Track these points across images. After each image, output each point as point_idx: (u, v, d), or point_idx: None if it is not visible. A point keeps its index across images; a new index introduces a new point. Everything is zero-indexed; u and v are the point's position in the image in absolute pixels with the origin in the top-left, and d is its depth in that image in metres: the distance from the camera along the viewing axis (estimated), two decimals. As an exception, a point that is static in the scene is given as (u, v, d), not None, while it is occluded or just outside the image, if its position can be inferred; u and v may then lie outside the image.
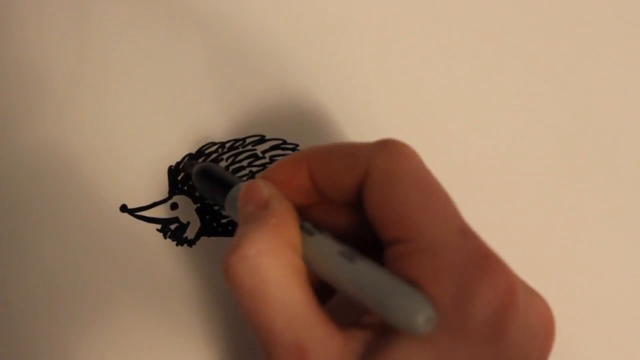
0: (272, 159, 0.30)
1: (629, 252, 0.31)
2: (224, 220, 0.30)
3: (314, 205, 0.23)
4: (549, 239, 0.30)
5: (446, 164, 0.31)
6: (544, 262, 0.29)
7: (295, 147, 0.30)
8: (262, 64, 0.31)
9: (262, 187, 0.22)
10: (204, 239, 0.29)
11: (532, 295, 0.21)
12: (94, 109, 0.30)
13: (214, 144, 0.30)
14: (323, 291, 0.21)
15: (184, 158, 0.30)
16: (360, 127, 0.31)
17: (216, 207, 0.29)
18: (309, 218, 0.23)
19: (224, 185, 0.25)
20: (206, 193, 0.27)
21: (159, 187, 0.30)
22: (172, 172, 0.30)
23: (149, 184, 0.30)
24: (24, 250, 0.29)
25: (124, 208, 0.29)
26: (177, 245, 0.29)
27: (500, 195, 0.30)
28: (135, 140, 0.30)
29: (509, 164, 0.31)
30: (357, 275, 0.19)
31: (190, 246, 0.29)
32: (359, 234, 0.22)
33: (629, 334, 0.30)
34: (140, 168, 0.30)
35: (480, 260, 0.19)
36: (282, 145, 0.30)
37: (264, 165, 0.30)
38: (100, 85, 0.31)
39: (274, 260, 0.20)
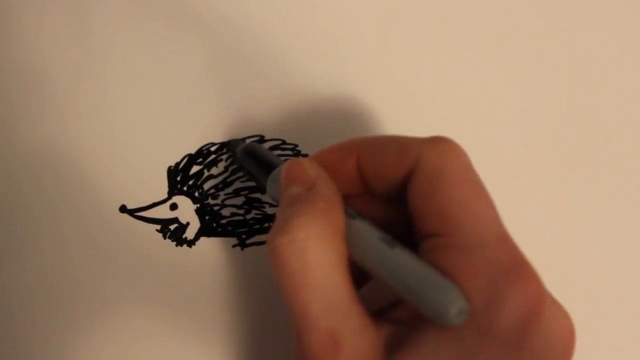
0: (271, 160, 0.30)
1: (628, 251, 0.31)
2: (223, 221, 0.29)
3: (354, 195, 0.24)
4: (549, 239, 0.30)
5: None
6: (544, 261, 0.29)
7: (294, 147, 0.30)
8: (262, 65, 0.31)
9: (308, 168, 0.22)
10: (203, 239, 0.29)
11: (558, 307, 0.21)
12: (93, 110, 0.30)
13: (213, 144, 0.30)
14: (356, 278, 0.22)
15: (183, 158, 0.30)
16: (360, 128, 0.31)
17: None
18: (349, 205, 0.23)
19: (267, 165, 0.25)
20: (249, 172, 0.27)
21: (158, 187, 0.30)
22: (172, 172, 0.30)
23: (148, 185, 0.30)
24: (23, 251, 0.29)
25: (123, 208, 0.29)
26: (176, 245, 0.29)
27: (500, 195, 0.30)
28: (135, 140, 0.30)
29: (510, 163, 0.31)
30: (396, 261, 0.20)
31: (190, 247, 0.29)
32: (394, 227, 0.23)
33: (629, 333, 0.29)
34: (139, 168, 0.30)
35: (515, 266, 0.19)
36: (281, 145, 0.30)
37: (263, 166, 0.30)
38: (100, 86, 0.31)
39: (321, 246, 0.20)
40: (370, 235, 0.21)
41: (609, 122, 0.32)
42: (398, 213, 0.23)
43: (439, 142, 0.22)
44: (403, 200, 0.22)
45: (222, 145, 0.30)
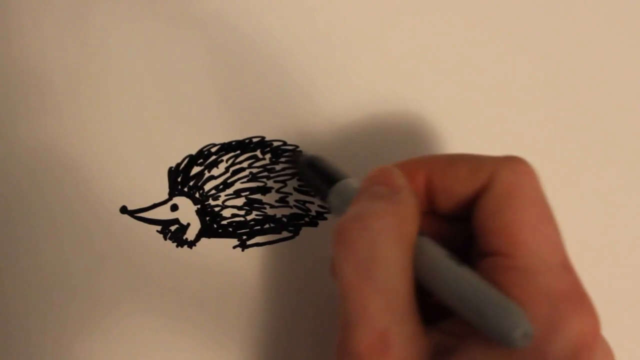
0: (272, 160, 0.30)
1: (628, 251, 0.31)
2: (224, 222, 0.29)
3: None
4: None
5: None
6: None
7: (295, 148, 0.30)
8: (262, 66, 0.31)
9: (397, 176, 0.22)
10: (204, 240, 0.29)
11: (605, 343, 0.21)
12: (94, 111, 0.30)
13: (214, 145, 0.30)
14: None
15: (184, 159, 0.30)
16: (360, 128, 0.31)
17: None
18: None
19: (331, 177, 0.26)
20: (310, 183, 0.28)
21: (159, 188, 0.30)
22: (173, 173, 0.30)
23: (149, 186, 0.29)
24: (23, 252, 0.29)
25: (124, 209, 0.29)
26: (177, 246, 0.29)
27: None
28: (136, 141, 0.30)
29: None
30: (463, 280, 0.20)
31: (191, 247, 0.29)
32: (450, 245, 0.22)
33: (629, 334, 0.30)
34: (140, 169, 0.30)
35: (576, 297, 0.20)
36: (282, 146, 0.30)
37: (264, 167, 0.30)
38: (101, 87, 0.31)
39: (394, 244, 0.20)
40: (438, 252, 0.21)
41: (611, 123, 0.32)
42: (456, 231, 0.23)
43: (514, 162, 0.22)
44: (463, 219, 0.22)
45: (225, 146, 0.30)
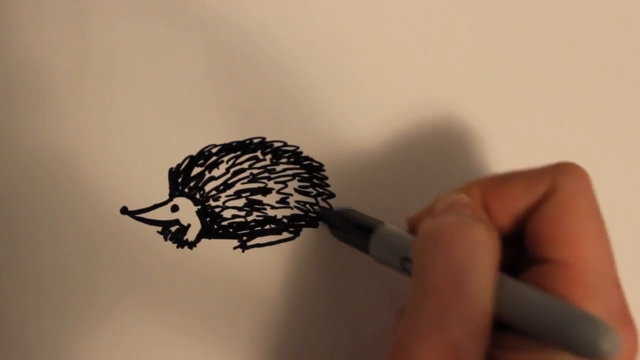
0: (272, 161, 0.30)
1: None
2: (224, 223, 0.29)
3: None
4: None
5: (448, 163, 0.31)
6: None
7: (296, 149, 0.30)
8: (263, 66, 0.31)
9: (476, 206, 0.22)
10: (204, 241, 0.29)
11: None
12: (94, 111, 0.30)
13: (215, 145, 0.30)
14: None
15: (184, 160, 0.30)
16: (360, 128, 0.31)
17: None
18: None
19: (365, 227, 0.26)
20: (345, 237, 0.28)
21: (159, 189, 0.30)
22: (173, 174, 0.30)
23: (149, 186, 0.29)
24: (24, 253, 0.29)
25: (124, 210, 0.29)
26: (177, 247, 0.29)
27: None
28: (136, 142, 0.30)
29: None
30: (538, 301, 0.19)
31: (191, 248, 0.29)
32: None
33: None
34: (141, 170, 0.30)
35: (624, 316, 0.20)
36: (283, 147, 0.30)
37: (264, 167, 0.30)
38: (101, 88, 0.31)
39: (489, 259, 0.19)
40: (513, 282, 0.20)
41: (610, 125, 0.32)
42: (506, 249, 0.22)
43: (573, 169, 0.22)
44: (514, 232, 0.22)
45: (225, 147, 0.30)
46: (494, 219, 0.22)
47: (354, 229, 0.27)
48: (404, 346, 0.18)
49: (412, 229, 0.24)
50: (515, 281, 0.20)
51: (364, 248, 0.26)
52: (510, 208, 0.22)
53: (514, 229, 0.22)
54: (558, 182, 0.21)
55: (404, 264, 0.23)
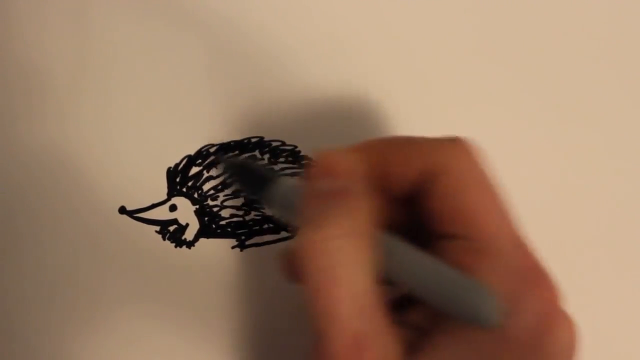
0: (270, 160, 0.30)
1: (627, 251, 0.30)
2: (222, 222, 0.29)
3: None
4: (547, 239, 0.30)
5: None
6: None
7: (294, 148, 0.30)
8: (261, 66, 0.31)
9: (343, 162, 0.22)
10: (202, 240, 0.29)
11: (568, 316, 0.21)
12: (93, 110, 0.30)
13: (213, 145, 0.30)
14: None
15: (182, 159, 0.30)
16: (360, 128, 0.31)
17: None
18: None
19: (263, 179, 0.24)
20: (244, 188, 0.27)
21: (157, 188, 0.30)
22: (171, 173, 0.30)
23: (147, 186, 0.29)
24: (23, 251, 0.29)
25: (122, 210, 0.29)
26: (175, 247, 0.29)
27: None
28: (134, 141, 0.30)
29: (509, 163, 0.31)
30: (427, 267, 0.20)
31: (189, 248, 0.29)
32: (401, 228, 0.22)
33: (628, 335, 0.29)
34: (139, 170, 0.30)
35: (532, 273, 0.20)
36: (281, 146, 0.30)
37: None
38: (100, 87, 0.31)
39: (357, 245, 0.20)
40: (397, 241, 0.21)
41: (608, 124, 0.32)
42: (404, 213, 0.23)
43: (461, 144, 0.22)
44: (411, 201, 0.22)
45: (223, 146, 0.30)
46: (384, 182, 0.22)
47: (252, 179, 0.25)
48: (318, 351, 0.20)
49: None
50: (407, 250, 0.20)
51: (260, 199, 0.25)
52: (401, 174, 0.22)
53: (407, 193, 0.22)
54: (444, 155, 0.21)
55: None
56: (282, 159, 0.30)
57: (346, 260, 0.19)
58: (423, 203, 0.22)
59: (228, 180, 0.29)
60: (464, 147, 0.22)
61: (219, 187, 0.30)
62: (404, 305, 0.22)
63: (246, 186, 0.26)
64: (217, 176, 0.30)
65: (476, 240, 0.20)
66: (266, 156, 0.30)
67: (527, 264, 0.20)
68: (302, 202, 0.21)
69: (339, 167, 0.21)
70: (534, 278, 0.20)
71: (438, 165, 0.21)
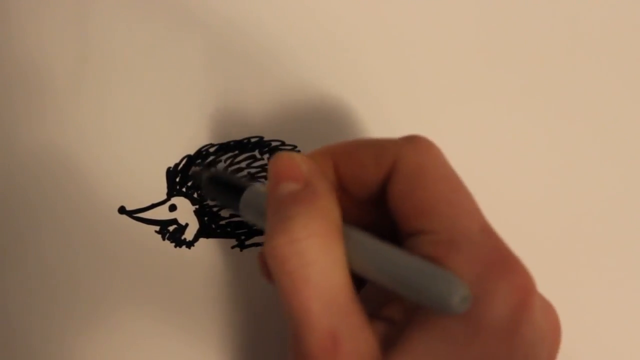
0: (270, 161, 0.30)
1: (626, 251, 0.30)
2: (222, 222, 0.29)
3: None
4: (546, 240, 0.30)
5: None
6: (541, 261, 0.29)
7: (294, 148, 0.30)
8: (261, 66, 0.31)
9: (301, 163, 0.22)
10: (202, 240, 0.29)
11: (544, 300, 0.21)
12: (93, 111, 0.31)
13: (212, 145, 0.30)
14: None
15: (182, 159, 0.30)
16: (360, 128, 0.31)
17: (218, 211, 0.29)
18: None
19: (235, 189, 0.25)
20: (218, 199, 0.27)
21: (157, 188, 0.30)
22: (171, 173, 0.30)
23: (147, 186, 0.30)
24: (23, 251, 0.29)
25: (122, 210, 0.29)
26: (175, 246, 0.29)
27: (500, 194, 0.30)
28: (134, 141, 0.30)
29: (508, 163, 0.31)
30: (392, 259, 0.20)
31: (189, 248, 0.29)
32: (374, 229, 0.23)
33: (627, 335, 0.29)
34: (138, 170, 0.30)
35: (500, 259, 0.20)
36: (280, 146, 0.30)
37: (262, 167, 0.30)
38: (100, 87, 0.31)
39: (323, 244, 0.20)
40: (363, 236, 0.21)
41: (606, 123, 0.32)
42: (377, 214, 0.23)
43: (416, 141, 0.22)
44: (381, 202, 0.22)
45: (223, 146, 0.30)
46: (348, 186, 0.23)
47: (225, 190, 0.26)
48: (294, 350, 0.20)
49: None
50: (372, 242, 0.21)
51: (235, 209, 0.25)
52: (361, 178, 0.22)
53: (373, 196, 0.23)
54: (402, 155, 0.22)
55: None
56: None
57: (314, 260, 0.20)
58: (389, 203, 0.22)
59: (202, 194, 0.29)
60: (422, 144, 0.22)
61: (219, 187, 0.30)
62: (380, 300, 0.22)
63: (218, 198, 0.27)
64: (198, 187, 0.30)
65: (443, 232, 0.20)
66: (266, 156, 0.30)
67: (496, 252, 0.20)
68: (266, 207, 0.22)
69: (298, 170, 0.22)
70: (504, 265, 0.20)
71: (397, 164, 0.22)
